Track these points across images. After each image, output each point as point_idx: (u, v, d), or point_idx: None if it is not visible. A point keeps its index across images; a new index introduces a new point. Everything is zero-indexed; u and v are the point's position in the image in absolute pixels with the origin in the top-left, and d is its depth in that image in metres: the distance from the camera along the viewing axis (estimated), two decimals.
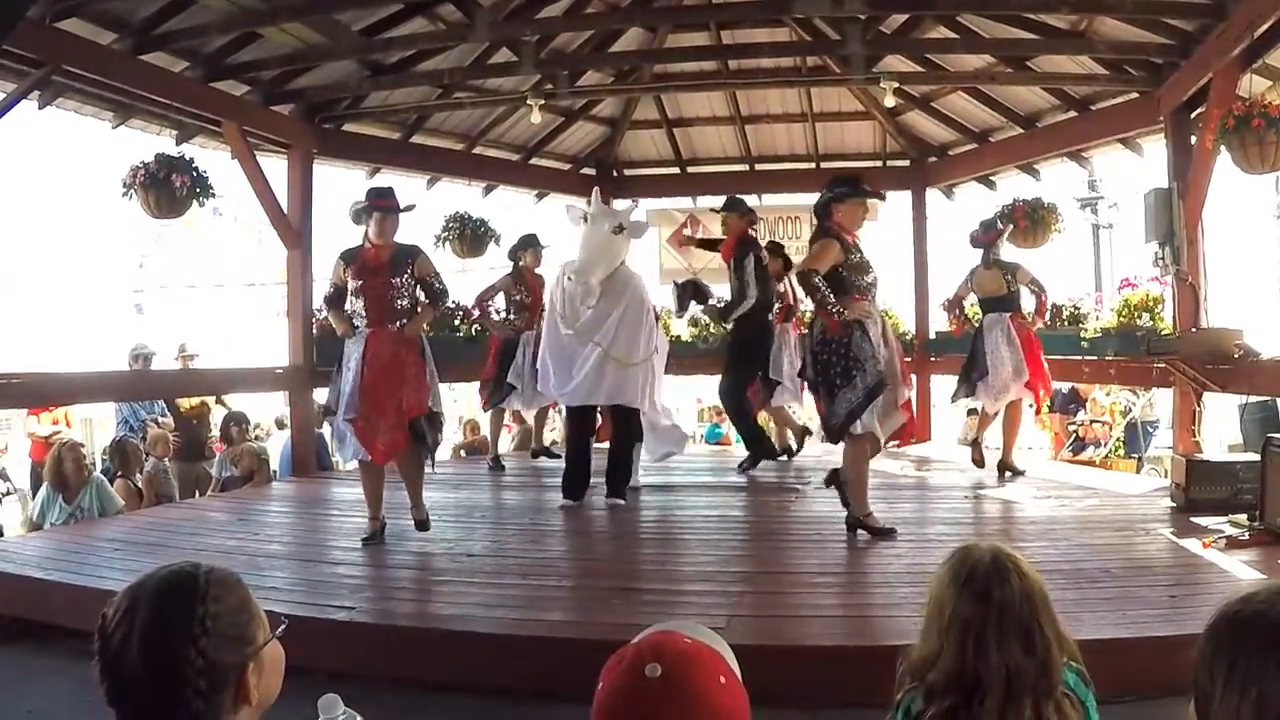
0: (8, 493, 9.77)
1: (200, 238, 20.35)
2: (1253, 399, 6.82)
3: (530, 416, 8.68)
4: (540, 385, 6.59)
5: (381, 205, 5.16)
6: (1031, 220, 8.27)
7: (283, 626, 1.34)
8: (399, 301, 5.15)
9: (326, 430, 9.95)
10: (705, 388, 13.25)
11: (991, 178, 9.61)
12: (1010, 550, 1.77)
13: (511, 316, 7.65)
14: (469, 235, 9.12)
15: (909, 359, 6.42)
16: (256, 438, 9.46)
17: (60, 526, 5.98)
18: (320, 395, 8.84)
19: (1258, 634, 1.03)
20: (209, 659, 1.21)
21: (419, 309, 5.28)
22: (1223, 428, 8.50)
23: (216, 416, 8.78)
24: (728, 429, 11.52)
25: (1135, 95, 7.51)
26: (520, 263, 7.71)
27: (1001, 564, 1.71)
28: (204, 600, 1.23)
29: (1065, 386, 10.03)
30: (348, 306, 5.25)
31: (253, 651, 1.27)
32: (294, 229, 7.98)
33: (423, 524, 5.26)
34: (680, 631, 1.18)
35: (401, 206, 5.24)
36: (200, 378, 8.56)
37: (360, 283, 5.15)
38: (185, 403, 8.31)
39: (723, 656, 1.16)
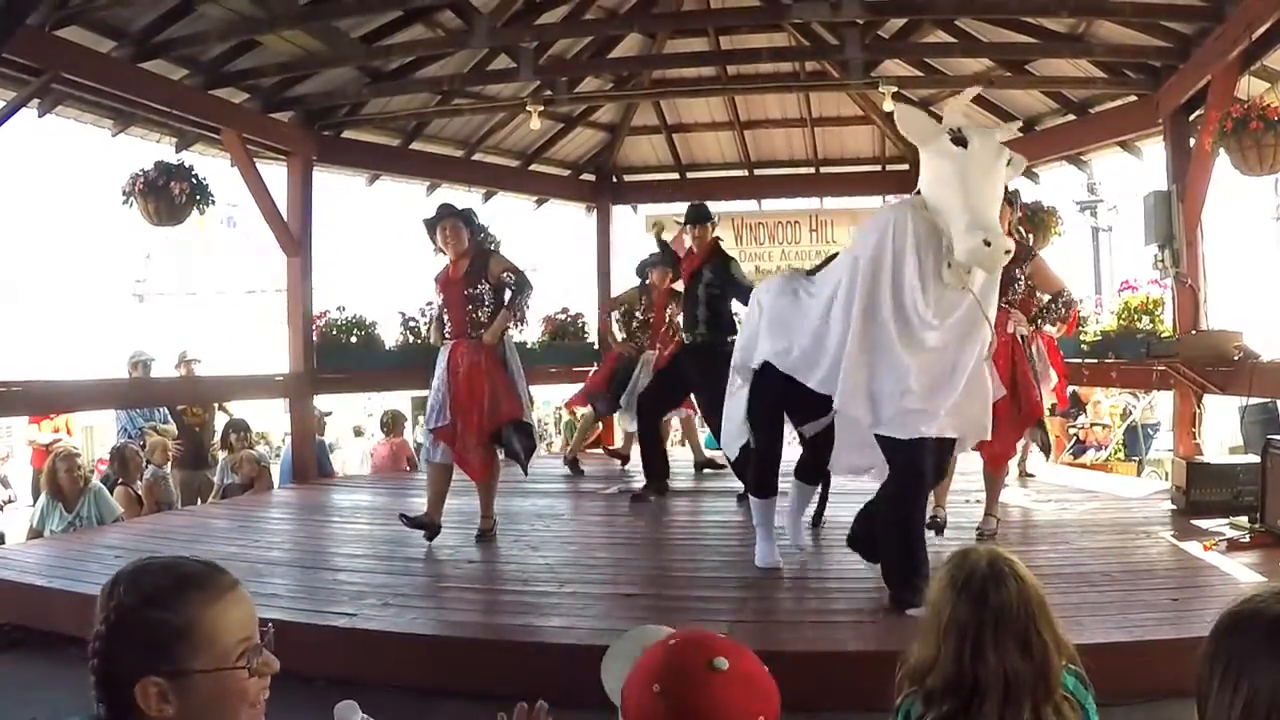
0: (9, 500, 9.78)
1: (209, 242, 20.40)
2: (1253, 401, 6.82)
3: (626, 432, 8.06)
4: (843, 400, 3.82)
5: (441, 216, 5.41)
6: (1031, 223, 8.26)
7: (237, 667, 1.23)
8: (476, 313, 5.26)
9: (327, 436, 10.04)
10: None
11: None
12: (1008, 554, 1.77)
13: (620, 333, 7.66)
14: None
15: None
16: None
17: (60, 534, 5.98)
18: (320, 403, 8.88)
19: (1251, 631, 1.03)
20: (104, 646, 1.19)
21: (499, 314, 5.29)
22: (1223, 430, 8.49)
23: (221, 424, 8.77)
24: None
25: (1134, 98, 7.52)
26: (648, 280, 7.56)
27: (999, 568, 1.71)
28: (134, 594, 1.22)
29: (1066, 390, 10.01)
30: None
31: (167, 669, 1.18)
32: (293, 236, 7.99)
33: (485, 534, 5.39)
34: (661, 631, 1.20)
35: (455, 210, 5.46)
36: (201, 385, 8.56)
37: (443, 297, 5.38)
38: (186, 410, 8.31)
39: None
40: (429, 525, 5.30)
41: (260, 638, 1.27)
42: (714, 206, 10.68)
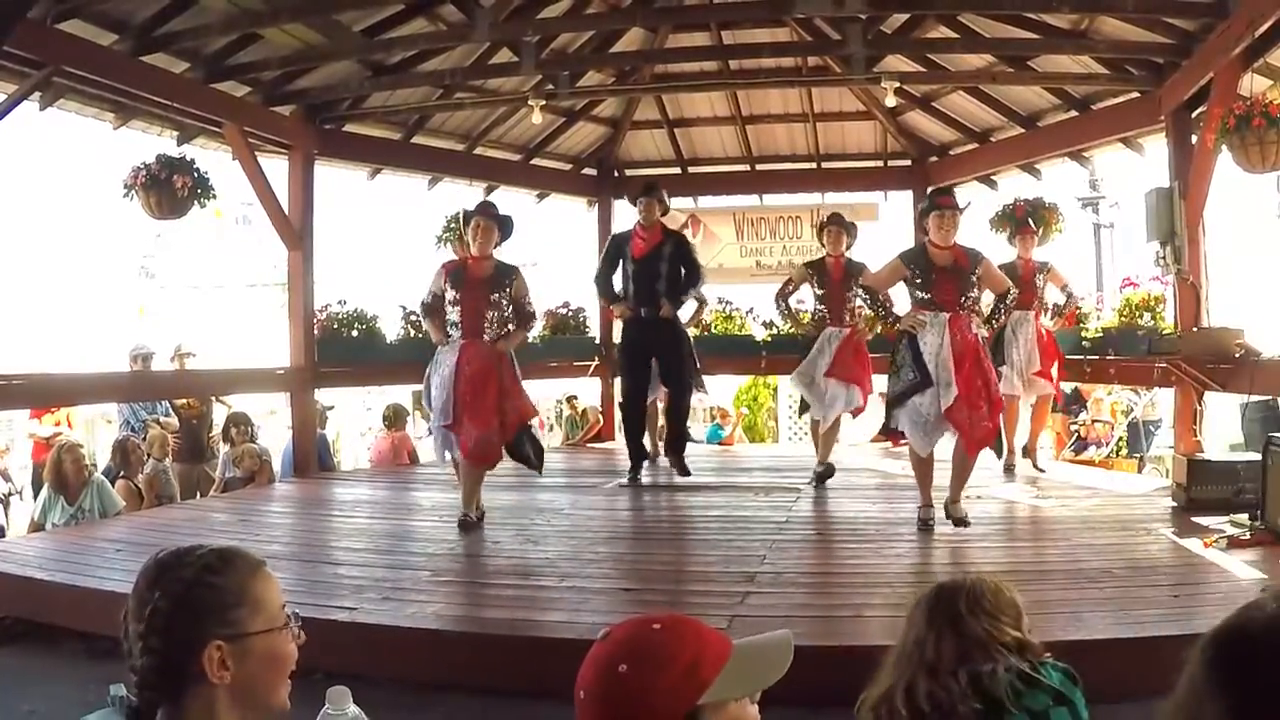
0: (9, 493, 9.77)
1: (210, 238, 20.40)
2: (1254, 399, 6.82)
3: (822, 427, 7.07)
4: None
5: (478, 213, 5.53)
6: (1033, 220, 8.26)
7: (285, 628, 1.34)
8: (493, 318, 5.46)
9: (330, 431, 10.03)
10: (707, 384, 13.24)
11: (993, 177, 9.60)
12: (969, 585, 1.98)
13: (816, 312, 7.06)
14: None
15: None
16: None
17: (62, 527, 5.99)
18: (321, 396, 8.88)
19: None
20: (165, 621, 1.25)
21: (511, 327, 5.57)
22: (1224, 427, 8.49)
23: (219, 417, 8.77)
24: (730, 430, 11.50)
25: (1136, 95, 7.50)
26: (826, 254, 7.00)
27: (929, 594, 2.01)
28: (189, 568, 1.29)
29: (1068, 386, 10.01)
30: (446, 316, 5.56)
31: (228, 633, 1.26)
32: (295, 230, 7.98)
33: (466, 523, 5.48)
34: (669, 618, 1.20)
35: (495, 212, 5.59)
36: (201, 378, 8.55)
37: (458, 294, 5.44)
38: (181, 402, 8.31)
39: (665, 654, 1.18)
40: (470, 521, 5.50)
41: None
42: (715, 201, 10.79)
